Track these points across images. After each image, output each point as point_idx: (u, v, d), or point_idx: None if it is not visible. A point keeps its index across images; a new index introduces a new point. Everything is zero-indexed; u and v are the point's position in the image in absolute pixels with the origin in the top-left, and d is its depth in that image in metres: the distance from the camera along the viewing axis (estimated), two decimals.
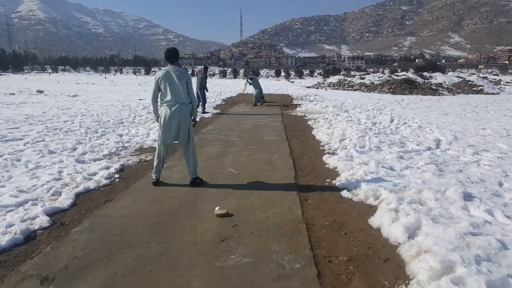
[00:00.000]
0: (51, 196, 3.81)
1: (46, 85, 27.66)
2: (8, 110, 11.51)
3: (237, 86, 33.79)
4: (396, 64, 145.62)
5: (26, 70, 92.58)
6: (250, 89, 15.26)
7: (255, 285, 2.38)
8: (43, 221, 3.21)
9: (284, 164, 5.33)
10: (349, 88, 28.19)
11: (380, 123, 8.87)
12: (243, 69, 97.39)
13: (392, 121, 9.39)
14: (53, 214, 3.43)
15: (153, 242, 2.92)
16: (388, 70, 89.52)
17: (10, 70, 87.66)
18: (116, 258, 2.66)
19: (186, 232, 3.11)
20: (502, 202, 3.70)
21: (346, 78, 33.59)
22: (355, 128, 7.86)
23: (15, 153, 5.70)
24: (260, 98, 14.53)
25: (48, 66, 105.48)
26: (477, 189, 4.06)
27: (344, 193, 4.08)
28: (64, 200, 3.69)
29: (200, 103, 11.36)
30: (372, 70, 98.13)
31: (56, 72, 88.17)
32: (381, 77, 32.03)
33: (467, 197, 3.72)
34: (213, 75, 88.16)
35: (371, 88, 26.18)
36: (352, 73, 58.59)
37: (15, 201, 3.59)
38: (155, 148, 5.89)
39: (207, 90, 11.92)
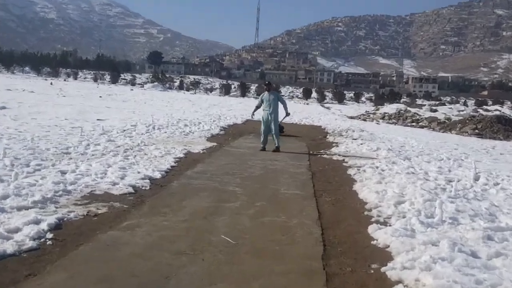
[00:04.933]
0: None
1: None
2: None
3: (246, 108, 34.11)
4: (485, 92, 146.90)
5: None
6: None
7: None
8: None
9: (307, 234, 5.29)
10: (413, 123, 28.37)
11: (458, 181, 8.76)
12: (256, 85, 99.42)
13: (477, 179, 9.27)
14: None
15: None
16: (473, 101, 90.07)
17: None
18: None
19: None
20: None
21: (409, 108, 33.97)
22: (419, 186, 7.77)
23: None
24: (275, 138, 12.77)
25: None
26: None
27: None
28: None
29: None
30: (448, 99, 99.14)
31: None
32: (462, 110, 32.18)
33: None
34: (211, 90, 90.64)
35: (446, 126, 26.21)
36: (419, 101, 59.04)
37: None
38: (113, 194, 6.38)
39: None
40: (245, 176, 8.56)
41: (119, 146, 10.56)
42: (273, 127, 12.48)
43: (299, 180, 8.51)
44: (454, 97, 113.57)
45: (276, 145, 12.39)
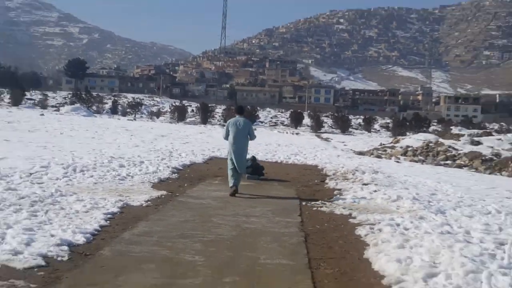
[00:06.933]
0: None
1: None
2: None
3: (209, 141, 34.98)
4: None
5: None
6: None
7: None
8: None
9: None
10: (448, 161, 28.53)
11: None
12: (223, 107, 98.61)
13: None
14: None
15: None
16: None
17: None
18: None
19: None
20: None
21: (441, 140, 34.16)
22: (458, 252, 7.79)
23: None
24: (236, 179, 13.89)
25: None
26: None
27: None
28: None
29: None
30: (497, 126, 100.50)
31: None
32: None
33: None
34: (159, 114, 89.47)
35: (494, 165, 26.44)
36: (455, 129, 59.54)
37: None
38: (15, 269, 6.35)
39: None
40: (209, 239, 8.54)
41: (23, 198, 10.33)
42: (234, 163, 13.53)
43: (286, 245, 8.51)
44: (504, 124, 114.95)
45: (233, 184, 13.36)
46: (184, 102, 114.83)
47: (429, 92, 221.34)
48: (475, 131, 51.17)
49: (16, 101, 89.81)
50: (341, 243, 8.85)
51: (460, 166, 27.26)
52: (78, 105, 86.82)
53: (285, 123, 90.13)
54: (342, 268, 7.31)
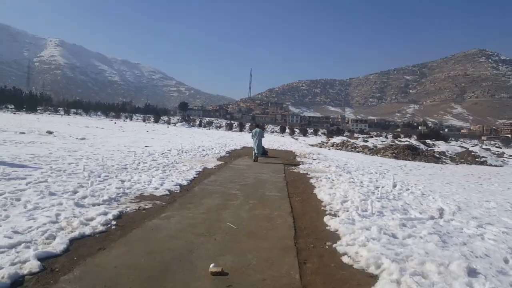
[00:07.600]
0: (45, 240, 3.72)
1: (56, 127, 28.28)
2: (16, 149, 11.52)
3: (243, 139, 34.39)
4: (399, 129, 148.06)
5: (39, 111, 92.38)
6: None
7: None
8: (33, 265, 3.09)
9: (284, 222, 5.25)
10: (352, 149, 28.44)
11: (382, 187, 8.76)
12: (249, 123, 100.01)
13: (395, 186, 9.26)
14: (44, 259, 3.33)
15: None
16: (391, 135, 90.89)
17: (24, 109, 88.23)
18: None
19: None
20: (509, 281, 3.51)
21: (349, 139, 34.11)
22: (357, 191, 7.77)
23: (16, 192, 5.59)
24: (257, 154, 14.28)
25: (61, 108, 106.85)
26: (482, 264, 3.87)
27: (345, 259, 3.94)
28: (58, 245, 3.58)
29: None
30: (375, 133, 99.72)
31: (68, 115, 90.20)
32: (384, 141, 32.49)
33: (472, 272, 3.57)
34: (220, 127, 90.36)
35: (374, 151, 26.37)
36: (356, 135, 59.71)
37: (8, 243, 3.52)
38: (155, 196, 6.29)
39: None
40: (242, 183, 8.44)
41: (159, 164, 10.39)
42: (256, 148, 14.08)
43: (278, 186, 8.40)
44: (378, 132, 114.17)
45: (255, 157, 14.02)
46: (231, 121, 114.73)
47: (344, 117, 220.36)
48: (365, 135, 51.34)
49: (156, 121, 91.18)
50: (303, 186, 8.71)
51: (358, 152, 27.08)
52: (184, 122, 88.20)
53: (277, 131, 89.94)
54: (303, 198, 7.26)
